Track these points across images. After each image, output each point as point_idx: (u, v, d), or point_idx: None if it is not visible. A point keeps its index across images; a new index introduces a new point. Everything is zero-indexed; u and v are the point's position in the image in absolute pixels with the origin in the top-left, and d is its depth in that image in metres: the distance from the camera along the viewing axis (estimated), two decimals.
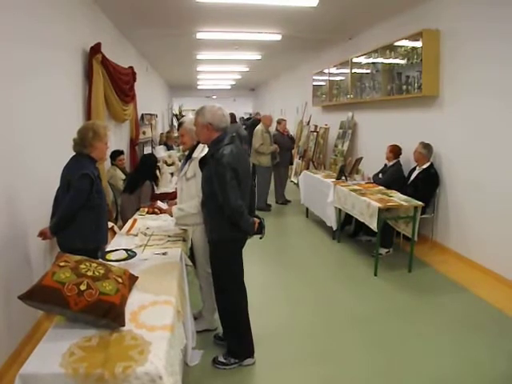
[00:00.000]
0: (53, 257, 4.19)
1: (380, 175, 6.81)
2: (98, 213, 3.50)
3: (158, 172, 6.15)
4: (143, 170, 5.69)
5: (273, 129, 9.38)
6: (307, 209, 8.29)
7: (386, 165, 6.88)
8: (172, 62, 13.29)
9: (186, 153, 3.89)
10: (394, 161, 6.70)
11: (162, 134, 12.85)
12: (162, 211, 4.08)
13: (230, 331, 3.49)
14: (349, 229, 7.02)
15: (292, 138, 9.90)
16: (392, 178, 6.52)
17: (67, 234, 3.39)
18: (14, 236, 3.57)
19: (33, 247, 3.87)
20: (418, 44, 6.11)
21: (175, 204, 3.79)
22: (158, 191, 5.96)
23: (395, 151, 6.71)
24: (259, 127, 8.91)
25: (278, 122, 9.46)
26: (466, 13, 5.48)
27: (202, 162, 3.35)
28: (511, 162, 4.86)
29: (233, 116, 10.86)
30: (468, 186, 5.58)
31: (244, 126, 13.33)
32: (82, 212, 3.35)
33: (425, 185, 5.98)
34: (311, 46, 10.20)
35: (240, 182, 3.13)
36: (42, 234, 3.50)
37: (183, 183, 3.71)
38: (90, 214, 3.40)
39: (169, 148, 9.57)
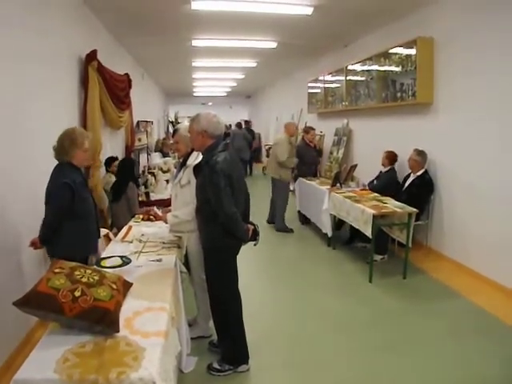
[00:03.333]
0: (47, 265, 4.17)
1: (375, 181, 6.85)
2: (85, 221, 3.44)
3: (153, 177, 6.15)
4: (123, 174, 5.74)
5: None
6: (303, 215, 8.31)
7: (381, 171, 6.93)
8: (168, 69, 13.32)
9: (181, 160, 3.91)
10: (389, 167, 6.77)
11: (158, 140, 12.84)
12: (157, 218, 4.09)
13: (224, 338, 3.49)
14: (344, 234, 7.03)
15: (318, 151, 9.09)
16: (386, 183, 6.60)
17: (55, 243, 3.35)
18: (7, 244, 3.56)
19: (26, 255, 3.85)
20: (413, 52, 6.15)
21: (169, 211, 3.79)
22: (153, 198, 5.98)
23: (391, 157, 6.78)
24: (282, 137, 7.87)
25: (306, 131, 8.44)
26: (459, 21, 5.54)
27: (197, 169, 3.36)
28: (506, 168, 4.89)
29: (240, 124, 14.49)
30: (462, 192, 5.61)
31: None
32: (68, 221, 3.30)
33: (419, 191, 6.01)
34: (306, 53, 10.26)
35: (234, 189, 3.16)
36: (33, 244, 3.45)
37: (177, 190, 3.73)
38: (76, 222, 3.34)
39: (164, 155, 9.57)
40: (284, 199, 7.88)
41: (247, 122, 16.83)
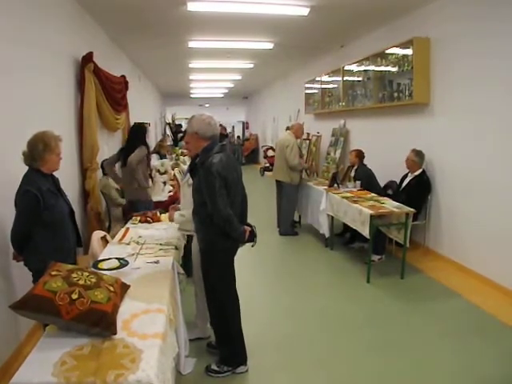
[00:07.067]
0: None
1: (357, 182, 6.84)
2: (55, 232, 3.30)
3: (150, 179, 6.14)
4: (136, 139, 5.65)
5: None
6: (299, 216, 8.31)
7: (356, 171, 7.06)
8: (165, 71, 13.32)
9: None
10: (359, 163, 7.00)
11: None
12: (155, 219, 4.05)
13: (222, 339, 3.49)
14: (347, 236, 7.06)
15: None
16: (368, 179, 6.75)
17: (27, 253, 3.26)
18: None
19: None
20: (409, 52, 6.16)
21: (178, 209, 3.79)
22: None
23: (360, 155, 6.99)
24: (291, 139, 7.54)
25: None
26: (455, 21, 5.55)
27: (193, 171, 3.36)
28: (503, 168, 4.90)
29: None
30: (460, 192, 5.62)
31: None
32: (36, 230, 3.20)
33: (417, 191, 6.02)
34: (303, 54, 10.28)
35: (230, 191, 3.16)
36: (15, 257, 3.38)
37: (186, 189, 3.70)
38: (46, 232, 3.24)
39: (161, 157, 9.55)
40: (294, 203, 7.76)
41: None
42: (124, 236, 4.14)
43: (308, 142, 10.55)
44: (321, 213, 6.77)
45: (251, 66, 12.05)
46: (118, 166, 5.85)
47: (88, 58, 5.82)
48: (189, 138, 3.32)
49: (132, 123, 9.42)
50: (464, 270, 5.53)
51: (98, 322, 2.17)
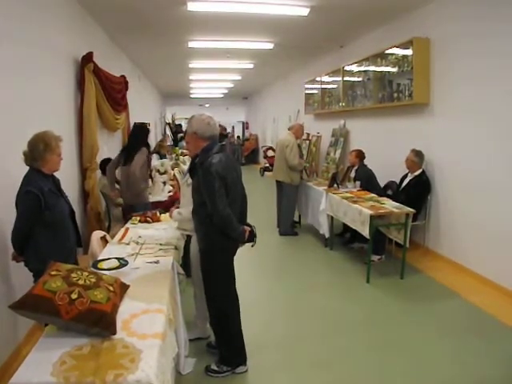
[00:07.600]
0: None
1: (357, 183, 6.83)
2: (56, 232, 3.30)
3: (150, 179, 6.13)
4: (137, 139, 5.62)
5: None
6: (299, 216, 8.31)
7: (356, 172, 7.04)
8: (164, 71, 13.32)
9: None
10: (359, 164, 6.98)
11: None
12: (154, 219, 4.04)
13: (222, 339, 3.49)
14: (347, 236, 7.07)
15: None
16: (367, 180, 6.73)
17: (27, 254, 3.25)
18: None
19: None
20: (409, 52, 6.16)
21: (178, 207, 3.80)
22: (150, 200, 5.95)
23: (360, 156, 6.97)
24: (291, 140, 7.54)
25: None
26: (454, 21, 5.55)
27: (192, 171, 3.36)
28: (502, 168, 4.90)
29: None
30: (459, 192, 5.62)
31: None
32: (37, 230, 3.18)
33: (417, 191, 6.02)
34: (303, 54, 10.28)
35: (229, 191, 3.16)
36: (14, 257, 3.35)
37: (185, 189, 3.72)
38: (46, 232, 3.23)
39: (161, 157, 9.53)
40: (294, 203, 7.76)
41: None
42: (124, 236, 4.14)
43: (308, 142, 10.54)
44: (321, 213, 6.77)
45: (251, 66, 12.04)
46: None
47: (88, 58, 5.82)
48: (188, 138, 3.33)
49: (132, 123, 9.44)
50: (463, 270, 5.53)
51: (98, 322, 2.16)
